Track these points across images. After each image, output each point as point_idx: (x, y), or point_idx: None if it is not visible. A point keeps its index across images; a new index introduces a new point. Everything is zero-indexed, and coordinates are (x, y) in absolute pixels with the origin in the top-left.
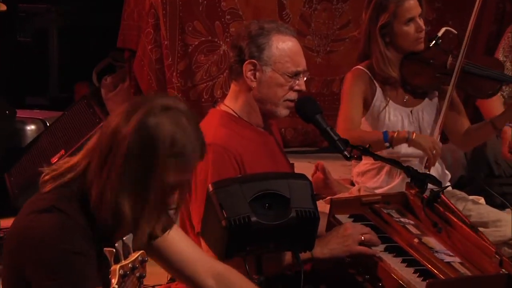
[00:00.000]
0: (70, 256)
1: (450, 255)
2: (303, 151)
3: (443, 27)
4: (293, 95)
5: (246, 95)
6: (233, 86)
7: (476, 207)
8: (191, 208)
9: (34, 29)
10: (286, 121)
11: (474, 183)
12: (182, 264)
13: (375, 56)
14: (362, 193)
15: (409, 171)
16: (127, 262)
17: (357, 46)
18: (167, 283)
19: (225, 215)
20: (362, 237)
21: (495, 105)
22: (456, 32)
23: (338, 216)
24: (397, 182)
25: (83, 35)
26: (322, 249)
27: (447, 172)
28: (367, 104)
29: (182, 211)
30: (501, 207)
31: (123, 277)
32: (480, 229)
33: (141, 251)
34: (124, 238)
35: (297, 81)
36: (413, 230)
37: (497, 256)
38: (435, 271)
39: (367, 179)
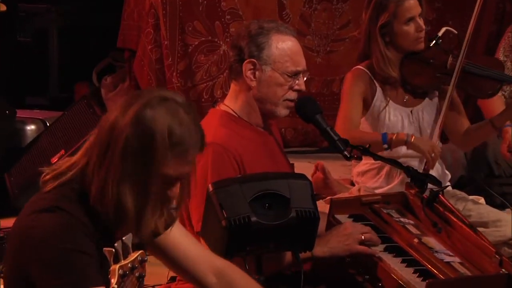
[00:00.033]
0: (73, 255)
1: (450, 255)
2: (303, 151)
3: (443, 27)
4: (292, 95)
5: (246, 95)
6: (233, 86)
7: (476, 207)
8: (190, 208)
9: (34, 29)
10: (286, 121)
11: (474, 183)
12: (184, 261)
13: (375, 56)
14: (362, 193)
15: (409, 171)
16: (126, 262)
17: (357, 46)
18: (167, 283)
19: (225, 215)
20: (362, 237)
21: (496, 105)
22: (456, 32)
23: (338, 216)
24: (397, 182)
25: (83, 35)
26: (322, 248)
27: (447, 172)
28: (367, 104)
29: (182, 211)
30: (501, 207)
31: (122, 277)
32: (480, 229)
33: (141, 251)
34: (123, 238)
35: (297, 81)
36: (413, 230)
37: (497, 256)
38: (435, 271)
39: (367, 179)
